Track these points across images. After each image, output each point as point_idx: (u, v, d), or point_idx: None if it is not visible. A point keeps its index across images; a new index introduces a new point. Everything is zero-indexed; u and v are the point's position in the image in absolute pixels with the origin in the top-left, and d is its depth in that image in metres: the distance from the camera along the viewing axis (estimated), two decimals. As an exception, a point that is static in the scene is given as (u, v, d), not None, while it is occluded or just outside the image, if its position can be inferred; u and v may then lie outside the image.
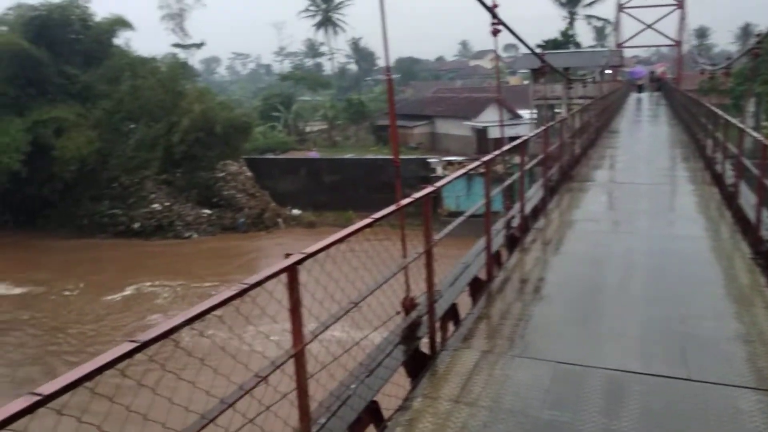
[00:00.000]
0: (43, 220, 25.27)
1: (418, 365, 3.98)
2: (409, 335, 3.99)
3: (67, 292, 18.50)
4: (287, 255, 2.54)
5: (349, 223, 26.65)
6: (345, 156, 32.42)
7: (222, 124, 25.94)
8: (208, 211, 26.64)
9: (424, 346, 4.12)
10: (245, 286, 2.18)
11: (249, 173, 29.12)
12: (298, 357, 2.52)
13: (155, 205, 26.16)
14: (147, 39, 34.07)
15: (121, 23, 28.76)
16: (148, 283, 18.97)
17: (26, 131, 23.64)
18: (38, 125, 24.05)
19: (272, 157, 32.74)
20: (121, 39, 29.51)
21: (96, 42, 27.67)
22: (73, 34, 27.17)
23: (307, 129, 45.62)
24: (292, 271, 2.49)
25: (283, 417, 2.44)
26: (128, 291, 18.49)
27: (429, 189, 3.93)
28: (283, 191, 28.70)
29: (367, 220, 3.15)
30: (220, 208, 26.92)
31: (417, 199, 3.76)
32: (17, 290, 18.90)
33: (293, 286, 2.50)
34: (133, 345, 1.72)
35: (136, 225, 25.24)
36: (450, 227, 4.35)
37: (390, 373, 3.54)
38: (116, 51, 28.42)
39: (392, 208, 3.62)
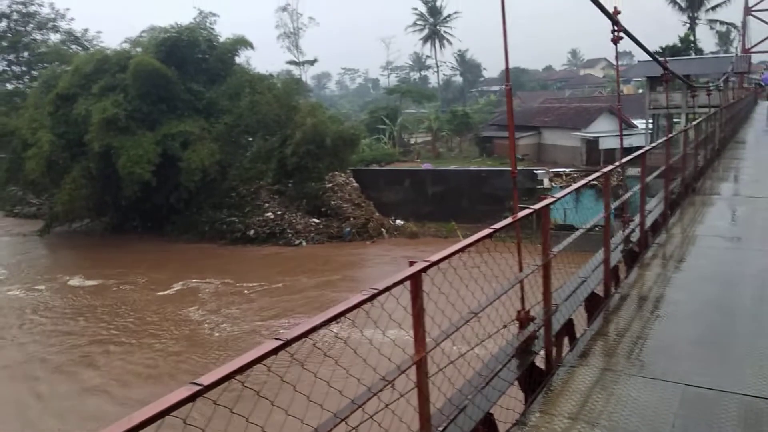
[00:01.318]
0: (169, 226, 27.35)
1: (533, 380, 3.91)
2: (525, 349, 3.94)
3: (170, 289, 20.07)
4: (412, 263, 2.61)
5: (452, 234, 26.63)
6: (449, 167, 32.39)
7: (331, 136, 26.83)
8: (316, 220, 27.60)
9: (540, 361, 4.05)
10: (375, 291, 2.28)
11: (355, 184, 29.90)
12: (421, 364, 2.58)
13: (268, 214, 27.49)
14: (265, 57, 36.19)
15: (242, 43, 30.75)
16: (250, 284, 19.92)
17: (156, 144, 25.66)
18: (167, 138, 26.03)
19: (377, 168, 33.37)
20: (241, 57, 31.60)
21: (220, 61, 29.79)
22: (199, 54, 29.41)
23: (412, 141, 46.11)
24: (416, 278, 2.55)
25: (406, 421, 2.50)
26: (211, 286, 19.56)
27: (549, 200, 3.86)
28: (387, 202, 29.19)
29: (488, 231, 3.16)
30: (327, 217, 27.80)
31: (535, 210, 3.71)
32: (126, 287, 20.65)
33: (417, 294, 2.56)
34: (278, 342, 1.86)
35: (251, 232, 26.59)
36: (569, 240, 4.24)
37: (506, 385, 3.51)
38: (237, 69, 30.41)
39: (509, 220, 3.59)
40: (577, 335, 4.66)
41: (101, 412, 11.64)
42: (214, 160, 26.12)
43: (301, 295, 18.81)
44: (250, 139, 29.89)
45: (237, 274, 21.13)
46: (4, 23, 42.69)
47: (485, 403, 3.27)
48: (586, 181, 5.00)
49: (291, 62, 67.64)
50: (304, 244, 26.20)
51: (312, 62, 70.08)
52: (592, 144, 33.78)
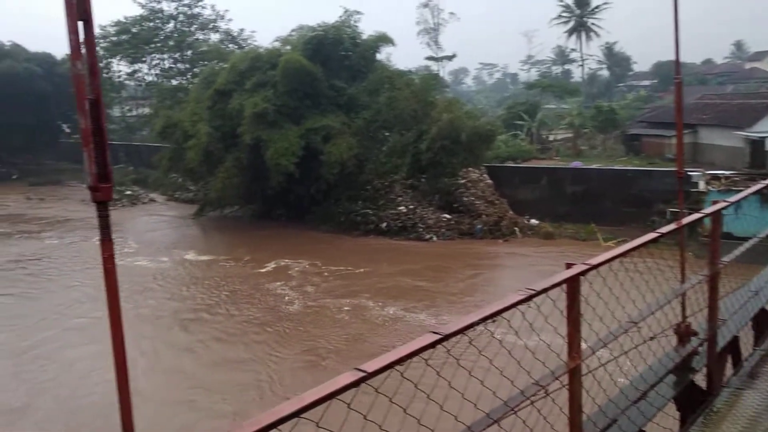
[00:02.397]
0: (310, 216, 28.76)
1: (692, 399, 3.60)
2: (683, 365, 3.63)
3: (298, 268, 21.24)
4: (569, 265, 2.50)
5: (590, 236, 25.27)
6: (591, 166, 30.80)
7: (467, 132, 26.61)
8: (447, 216, 27.58)
9: (699, 379, 3.72)
10: (532, 291, 2.21)
11: (489, 181, 29.43)
12: (575, 371, 2.46)
13: (401, 208, 27.94)
14: (404, 53, 36.74)
15: (384, 40, 31.48)
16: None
17: (300, 137, 27.02)
18: (310, 132, 27.33)
19: (513, 165, 32.58)
20: (382, 54, 32.31)
21: (362, 58, 30.73)
22: (343, 51, 30.53)
23: (551, 138, 44.44)
24: (573, 282, 2.44)
25: (558, 429, 2.41)
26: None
27: (721, 204, 3.52)
28: (522, 200, 28.42)
29: (652, 235, 2.94)
30: (459, 213, 27.68)
31: (706, 216, 3.39)
32: (268, 267, 22.30)
33: (574, 298, 2.45)
34: (437, 337, 1.86)
35: (384, 225, 27.19)
36: (741, 249, 3.84)
37: (662, 402, 3.26)
38: (378, 65, 31.18)
39: (672, 225, 3.31)
40: (743, 355, 4.22)
41: (185, 369, 13.32)
42: (352, 153, 26.97)
43: (374, 281, 19.77)
44: (387, 134, 30.52)
45: (333, 260, 22.47)
46: (171, 24, 47.29)
47: (640, 418, 3.06)
48: (763, 185, 4.49)
49: (429, 58, 68.11)
50: (434, 239, 26.30)
51: (450, 58, 70.03)
52: (757, 145, 30.42)
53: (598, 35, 68.82)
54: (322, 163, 26.76)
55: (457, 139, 26.46)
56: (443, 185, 28.10)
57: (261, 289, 19.40)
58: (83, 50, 1.46)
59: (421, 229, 26.74)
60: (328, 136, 27.25)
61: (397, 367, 1.71)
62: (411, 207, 27.94)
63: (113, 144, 52.60)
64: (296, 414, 1.48)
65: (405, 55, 37.58)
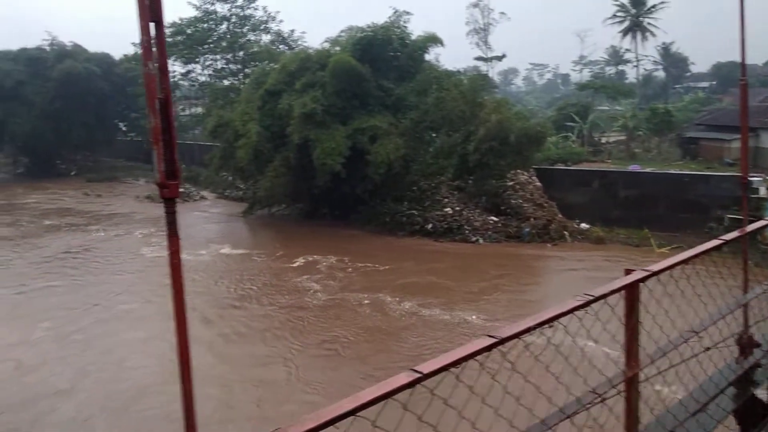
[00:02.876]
0: (355, 216, 28.93)
1: (753, 413, 3.45)
2: (745, 378, 3.48)
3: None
4: (628, 271, 2.43)
5: (643, 242, 24.60)
6: (645, 170, 29.96)
7: (516, 133, 26.26)
8: (494, 219, 27.28)
9: (762, 392, 3.56)
10: (590, 297, 2.16)
11: (538, 183, 28.96)
12: (633, 380, 2.40)
13: (447, 209, 27.79)
14: (453, 53, 36.59)
15: (433, 40, 31.40)
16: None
17: (348, 138, 27.21)
18: (357, 133, 27.49)
19: (563, 167, 31.98)
20: (431, 54, 32.23)
21: (410, 58, 30.73)
22: (391, 52, 30.60)
23: (603, 140, 43.43)
24: (632, 288, 2.37)
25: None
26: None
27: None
28: (572, 203, 27.84)
29: (715, 242, 2.83)
30: (506, 216, 27.33)
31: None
32: (298, 262, 22.83)
33: (633, 305, 2.38)
34: (492, 340, 1.84)
35: (429, 226, 27.09)
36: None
37: (723, 414, 3.14)
38: (426, 66, 31.12)
39: (735, 233, 3.18)
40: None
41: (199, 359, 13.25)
42: (399, 154, 26.98)
43: (395, 277, 20.10)
44: (434, 134, 30.42)
45: (362, 257, 22.83)
46: (224, 26, 48.39)
47: (699, 431, 2.95)
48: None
49: (479, 58, 67.53)
50: (480, 241, 26.06)
51: (500, 58, 69.25)
52: (823, 149, 29.01)
53: (654, 35, 66.82)
54: (368, 163, 26.86)
55: (506, 141, 26.14)
56: (490, 187, 27.81)
57: (287, 282, 20.15)
58: (154, 50, 1.51)
59: (467, 231, 26.54)
60: (375, 137, 27.35)
61: (452, 370, 1.70)
62: (457, 209, 27.76)
63: (167, 142, 54.16)
64: (353, 412, 1.49)
65: (454, 55, 37.44)
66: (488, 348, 1.80)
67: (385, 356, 13.77)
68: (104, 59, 52.33)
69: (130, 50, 53.77)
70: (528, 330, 1.93)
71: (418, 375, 1.64)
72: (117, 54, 54.68)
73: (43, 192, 41.49)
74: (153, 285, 19.32)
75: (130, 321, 16.50)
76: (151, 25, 1.47)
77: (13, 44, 54.31)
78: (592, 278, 19.57)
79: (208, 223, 31.42)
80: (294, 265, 22.40)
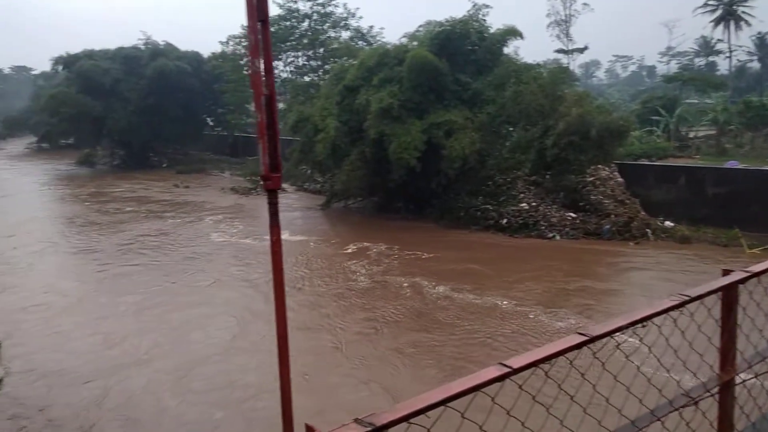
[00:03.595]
0: (429, 210, 28.95)
1: None
2: None
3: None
4: (726, 272, 2.33)
5: (732, 242, 23.34)
6: (739, 166, 28.21)
7: (597, 128, 25.37)
8: (572, 215, 26.53)
9: None
10: (685, 298, 2.09)
11: (620, 179, 27.90)
12: (728, 385, 2.30)
13: (523, 205, 27.27)
14: (533, 46, 35.71)
15: (512, 33, 30.80)
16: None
17: (423, 132, 27.20)
18: (433, 127, 27.42)
19: (647, 163, 30.61)
20: (510, 47, 31.63)
21: (488, 52, 30.30)
22: (469, 46, 30.27)
23: (691, 135, 41.17)
24: (731, 290, 2.27)
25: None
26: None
27: None
28: (656, 201, 26.64)
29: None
30: (585, 212, 26.52)
31: None
32: (349, 249, 22.78)
33: (731, 307, 2.28)
34: (583, 338, 1.82)
35: (504, 221, 26.69)
36: None
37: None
38: (505, 59, 30.57)
39: None
40: None
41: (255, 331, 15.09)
42: (474, 149, 26.72)
43: (436, 264, 20.80)
44: (511, 129, 29.90)
45: (413, 246, 23.67)
46: (306, 23, 49.44)
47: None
48: None
49: (559, 50, 65.56)
50: (557, 237, 25.42)
51: (582, 50, 67.00)
52: None
53: (749, 24, 62.47)
54: (443, 158, 26.77)
55: (586, 135, 25.31)
56: (569, 182, 27.05)
57: (336, 266, 21.68)
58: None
59: (543, 227, 25.96)
60: (451, 131, 27.19)
61: (542, 366, 1.70)
62: (533, 204, 27.20)
63: (251, 137, 56.32)
64: (443, 402, 1.52)
65: (533, 48, 36.50)
66: (578, 345, 1.78)
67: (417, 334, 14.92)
68: (194, 57, 54.86)
69: (218, 48, 56.13)
70: (619, 329, 1.89)
71: (508, 369, 1.65)
72: (205, 52, 57.24)
73: (132, 182, 44.23)
74: (220, 265, 21.74)
75: (198, 297, 18.20)
76: (258, 24, 1.55)
77: (111, 43, 57.76)
78: (668, 279, 19.09)
79: (284, 212, 32.44)
80: (347, 251, 23.79)
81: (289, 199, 36.66)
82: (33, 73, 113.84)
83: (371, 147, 28.20)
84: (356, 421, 1.41)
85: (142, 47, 54.73)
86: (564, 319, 15.62)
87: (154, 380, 12.73)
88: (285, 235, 25.82)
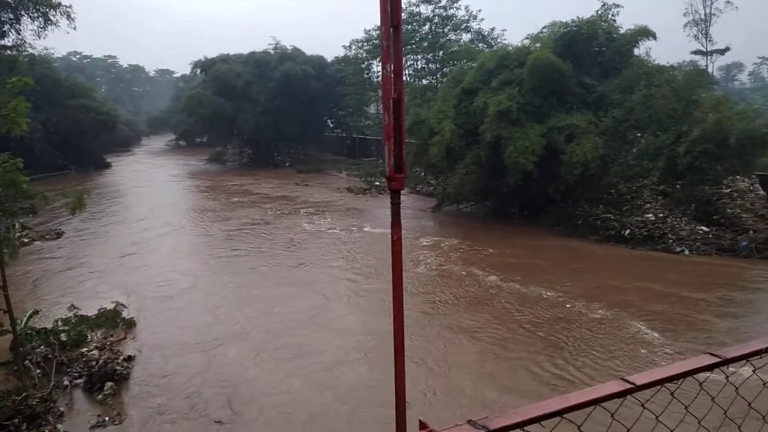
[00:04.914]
0: (544, 216, 28.05)
1: None
2: None
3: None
4: None
5: None
6: None
7: (737, 135, 23.30)
8: (705, 228, 24.56)
9: None
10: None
11: (761, 192, 25.57)
12: None
13: (649, 215, 25.68)
14: (667, 47, 33.51)
15: (644, 33, 29.07)
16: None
17: (542, 136, 26.41)
18: (552, 131, 26.55)
19: (795, 175, 27.67)
20: (641, 49, 29.92)
21: (616, 53, 28.83)
22: (596, 47, 28.99)
23: None
24: None
25: None
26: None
27: None
28: (807, 218, 24.02)
29: None
30: (719, 226, 24.45)
31: None
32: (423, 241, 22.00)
33: None
34: (715, 359, 1.70)
35: (626, 232, 25.24)
36: None
37: None
38: (634, 61, 28.95)
39: None
40: None
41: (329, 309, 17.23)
42: (597, 154, 25.54)
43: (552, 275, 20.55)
44: (639, 134, 28.24)
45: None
46: (426, 27, 49.83)
47: None
48: None
49: (697, 52, 60.91)
50: (686, 252, 23.63)
51: (722, 51, 61.79)
52: None
53: None
54: (562, 163, 25.83)
55: (724, 143, 23.34)
56: (702, 194, 25.09)
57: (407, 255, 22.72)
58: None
59: (670, 240, 24.22)
60: (572, 136, 26.19)
61: (668, 385, 1.61)
62: (661, 215, 25.50)
63: (367, 139, 57.72)
64: (560, 413, 1.49)
65: (667, 49, 34.22)
66: (710, 367, 1.66)
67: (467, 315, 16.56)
68: (318, 61, 57.27)
69: (340, 52, 58.10)
70: (757, 353, 1.74)
71: (630, 386, 1.58)
72: (329, 56, 59.51)
73: (255, 178, 47.40)
74: (310, 251, 24.38)
75: (288, 278, 20.58)
76: (391, 30, 1.61)
77: (242, 48, 61.82)
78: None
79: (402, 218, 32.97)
80: (422, 243, 25.72)
81: (407, 202, 37.22)
82: (175, 75, 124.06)
83: (487, 151, 27.86)
84: (469, 422, 1.42)
85: (272, 52, 57.89)
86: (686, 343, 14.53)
87: (244, 351, 14.31)
88: (367, 228, 29.11)
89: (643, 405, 1.63)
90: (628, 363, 13.07)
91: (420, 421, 1.43)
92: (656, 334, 14.76)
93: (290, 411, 11.60)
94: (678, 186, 26.12)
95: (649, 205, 26.30)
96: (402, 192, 1.65)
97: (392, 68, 1.63)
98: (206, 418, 11.62)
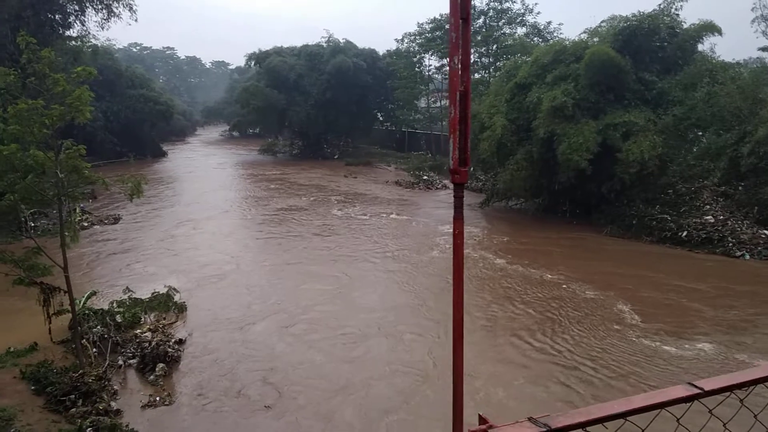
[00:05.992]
0: (597, 215, 27.36)
1: None
2: None
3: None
4: None
5: None
6: None
7: (807, 136, 22.19)
8: (767, 232, 23.49)
9: None
10: None
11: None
12: None
13: (708, 217, 24.71)
14: (733, 43, 32.07)
15: (709, 29, 27.89)
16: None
17: (597, 133, 25.73)
18: (609, 128, 25.83)
19: None
20: (705, 44, 28.74)
21: (679, 49, 27.75)
22: (657, 42, 27.98)
23: None
24: None
25: None
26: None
27: None
28: None
29: None
30: (784, 231, 23.34)
31: None
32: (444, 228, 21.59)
33: None
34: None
35: (683, 234, 24.38)
36: None
37: None
38: (698, 57, 27.82)
39: None
40: None
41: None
42: (655, 153, 24.71)
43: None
44: (700, 133, 27.18)
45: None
46: (481, 20, 49.19)
47: None
48: None
49: (764, 48, 58.10)
50: (747, 257, 22.64)
51: (792, 49, 58.75)
52: None
53: None
54: (618, 161, 25.13)
55: (792, 144, 22.25)
56: (766, 196, 23.98)
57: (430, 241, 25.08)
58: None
59: (730, 244, 23.26)
60: (629, 133, 25.42)
61: (737, 392, 1.55)
62: (721, 218, 24.50)
63: (417, 132, 57.52)
64: (623, 415, 1.46)
65: (734, 45, 32.73)
66: (784, 376, 1.59)
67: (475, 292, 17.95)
68: (370, 54, 57.38)
69: (392, 46, 58.06)
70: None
71: (698, 390, 1.53)
72: (381, 49, 59.54)
73: (304, 169, 48.24)
74: (337, 234, 26.45)
75: (315, 258, 22.59)
76: (460, 21, 1.59)
77: (296, 41, 62.58)
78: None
79: (437, 209, 32.96)
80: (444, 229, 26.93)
81: (449, 196, 37.04)
82: (230, 67, 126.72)
83: (539, 147, 27.37)
84: (530, 419, 1.41)
85: (324, 45, 58.35)
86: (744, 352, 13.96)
87: (272, 327, 15.66)
88: (393, 215, 30.83)
89: (710, 411, 1.57)
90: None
91: (480, 415, 1.42)
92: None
93: (311, 376, 12.84)
94: (740, 188, 25.05)
95: (708, 207, 25.32)
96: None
97: (460, 60, 1.62)
98: (248, 398, 12.08)
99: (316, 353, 13.86)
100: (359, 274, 20.34)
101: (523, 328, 15.29)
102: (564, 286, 18.88)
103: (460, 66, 1.63)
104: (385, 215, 30.75)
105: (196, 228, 27.99)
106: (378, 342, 14.40)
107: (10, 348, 13.75)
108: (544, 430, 1.38)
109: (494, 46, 48.36)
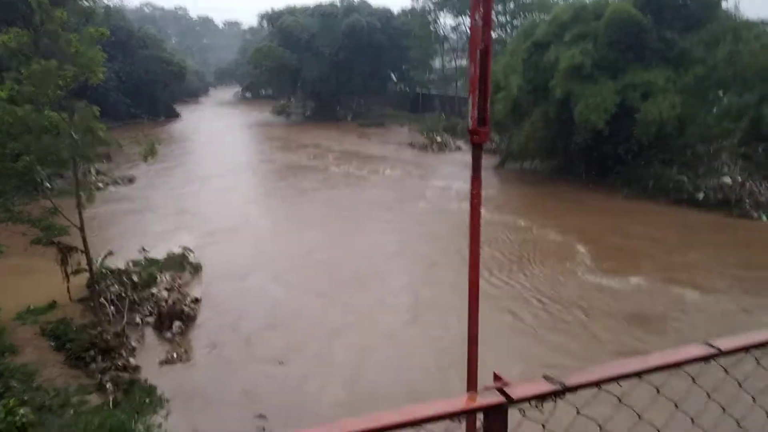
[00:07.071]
0: (612, 177, 27.00)
1: None
2: None
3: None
4: None
5: None
6: None
7: (833, 96, 21.60)
8: (787, 195, 23.18)
9: None
10: None
11: None
12: None
13: (726, 179, 24.35)
14: (758, 1, 30.87)
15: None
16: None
17: (616, 93, 25.21)
18: (628, 88, 25.30)
19: None
20: (730, 2, 27.83)
21: (703, 6, 26.79)
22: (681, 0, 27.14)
23: None
24: None
25: None
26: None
27: None
28: None
29: None
30: (804, 193, 23.02)
31: None
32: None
33: None
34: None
35: (700, 195, 24.06)
36: None
37: None
38: (722, 14, 26.95)
39: None
40: None
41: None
42: (674, 113, 24.19)
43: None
44: (721, 93, 26.52)
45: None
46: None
47: None
48: None
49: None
50: (764, 218, 22.40)
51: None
52: None
53: None
54: (636, 122, 24.69)
55: (817, 104, 21.71)
56: (788, 158, 23.61)
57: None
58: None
59: (747, 206, 22.96)
60: (649, 93, 24.88)
61: (754, 352, 1.55)
62: (739, 179, 24.12)
63: (431, 94, 56.69)
64: (638, 373, 1.47)
65: (760, 2, 31.56)
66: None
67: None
68: (384, 14, 56.25)
69: (408, 4, 56.78)
70: None
71: (714, 350, 1.54)
72: (396, 8, 58.29)
73: (317, 131, 48.19)
74: (337, 188, 28.82)
75: (327, 218, 24.15)
76: (480, -22, 1.55)
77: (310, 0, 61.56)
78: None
79: (454, 168, 33.00)
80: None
81: (466, 157, 36.77)
82: (242, 28, 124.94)
83: (555, 107, 26.95)
84: (545, 377, 1.43)
85: (338, 3, 57.26)
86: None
87: (280, 278, 17.15)
88: (388, 171, 32.66)
89: (726, 371, 1.58)
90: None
91: (494, 374, 1.44)
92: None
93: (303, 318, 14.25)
94: (761, 149, 24.59)
95: (727, 168, 24.94)
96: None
97: (481, 17, 1.58)
98: (259, 357, 12.41)
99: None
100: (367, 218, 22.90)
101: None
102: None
103: (481, 22, 1.59)
104: (390, 172, 32.77)
105: (215, 187, 29.34)
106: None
107: (30, 306, 14.10)
108: (559, 387, 1.40)
109: (512, 4, 47.13)
